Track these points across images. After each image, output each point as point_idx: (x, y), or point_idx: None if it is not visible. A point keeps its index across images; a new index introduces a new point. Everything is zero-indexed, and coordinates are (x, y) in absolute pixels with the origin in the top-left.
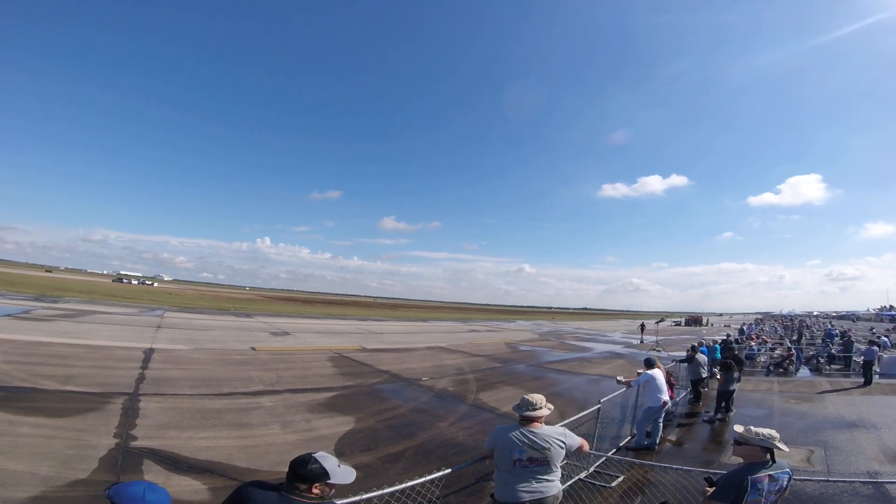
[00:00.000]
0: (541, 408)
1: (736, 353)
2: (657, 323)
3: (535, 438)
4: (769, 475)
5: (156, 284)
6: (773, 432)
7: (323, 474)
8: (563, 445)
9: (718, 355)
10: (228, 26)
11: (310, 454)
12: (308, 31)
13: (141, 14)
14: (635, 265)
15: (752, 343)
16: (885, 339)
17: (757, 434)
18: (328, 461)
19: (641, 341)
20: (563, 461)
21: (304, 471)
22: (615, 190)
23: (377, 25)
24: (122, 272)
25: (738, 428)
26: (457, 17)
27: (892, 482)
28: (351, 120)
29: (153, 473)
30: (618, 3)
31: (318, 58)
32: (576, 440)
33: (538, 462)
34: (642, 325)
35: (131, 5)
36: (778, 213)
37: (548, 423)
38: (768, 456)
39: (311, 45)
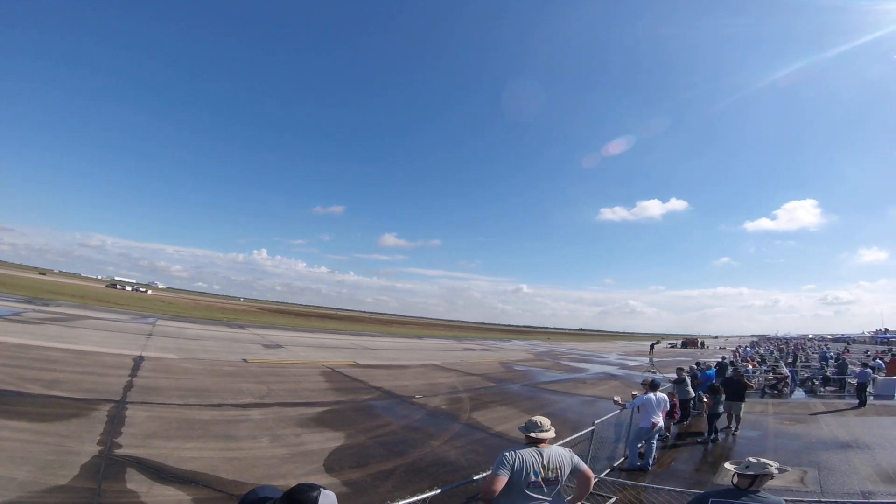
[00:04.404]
0: (548, 429)
1: (727, 378)
2: (652, 346)
3: (549, 458)
4: None
5: (150, 292)
6: (761, 461)
7: None
8: (570, 465)
9: (713, 376)
10: (237, 46)
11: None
12: (318, 56)
13: (146, 27)
14: (633, 288)
15: (748, 365)
16: (880, 361)
17: (735, 467)
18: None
19: (650, 361)
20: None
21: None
22: (614, 213)
23: (387, 49)
24: (117, 278)
25: (729, 466)
26: (463, 40)
27: (886, 503)
28: (361, 141)
29: (136, 482)
30: (622, 23)
31: (330, 81)
32: (583, 464)
33: (551, 482)
34: (652, 346)
35: (134, 18)
36: (774, 238)
37: None
38: (747, 484)
39: (325, 69)
